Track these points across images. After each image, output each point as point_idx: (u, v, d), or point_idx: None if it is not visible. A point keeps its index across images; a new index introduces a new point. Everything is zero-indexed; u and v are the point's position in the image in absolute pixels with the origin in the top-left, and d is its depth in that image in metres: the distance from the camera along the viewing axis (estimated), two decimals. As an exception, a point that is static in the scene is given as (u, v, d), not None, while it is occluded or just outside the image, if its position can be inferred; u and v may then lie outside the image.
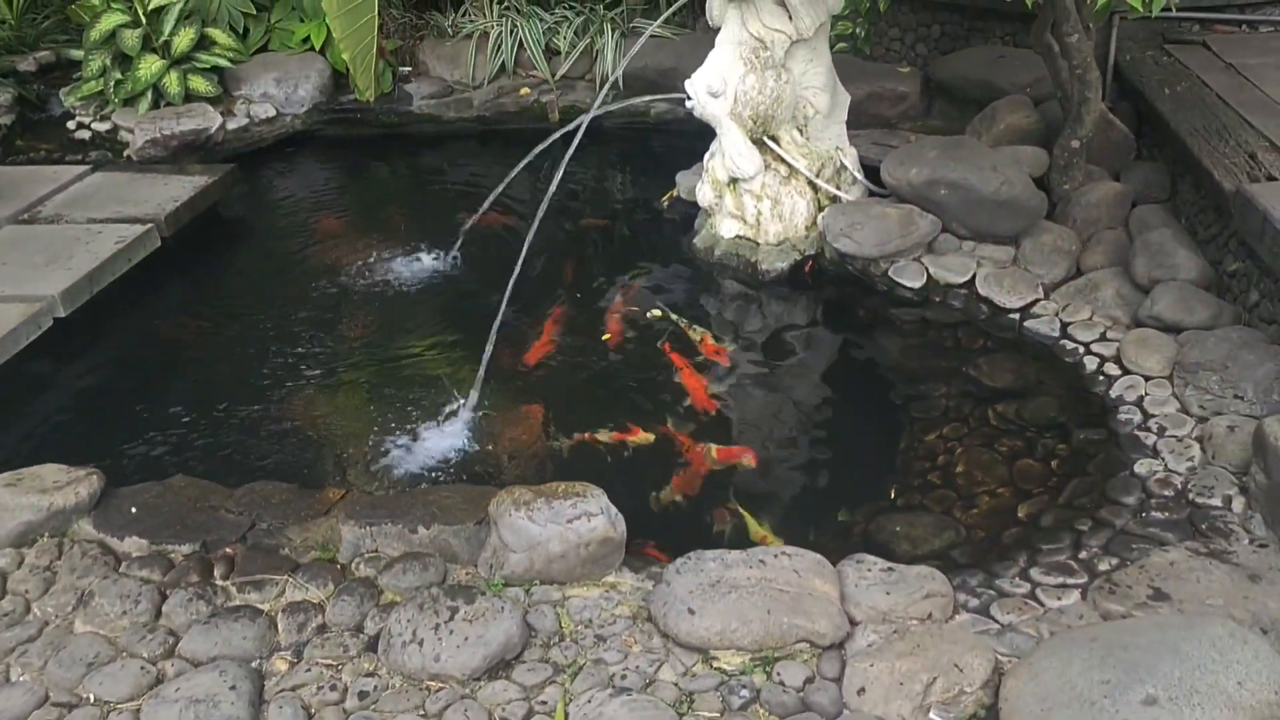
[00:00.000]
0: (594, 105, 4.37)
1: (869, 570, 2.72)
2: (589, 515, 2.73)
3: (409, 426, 3.60)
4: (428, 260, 4.78)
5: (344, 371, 3.99)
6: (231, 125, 5.86)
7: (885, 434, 3.57)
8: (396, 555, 2.85)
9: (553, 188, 4.17)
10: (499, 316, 3.80)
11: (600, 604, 2.70)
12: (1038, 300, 3.92)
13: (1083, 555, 2.87)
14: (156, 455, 3.52)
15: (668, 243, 4.84)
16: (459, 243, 4.69)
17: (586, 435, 3.52)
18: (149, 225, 4.70)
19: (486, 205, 4.71)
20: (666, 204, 5.01)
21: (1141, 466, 3.17)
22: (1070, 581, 2.76)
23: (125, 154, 5.70)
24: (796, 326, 4.27)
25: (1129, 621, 2.46)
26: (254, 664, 2.55)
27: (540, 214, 4.15)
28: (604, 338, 4.09)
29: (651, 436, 3.50)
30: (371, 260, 4.78)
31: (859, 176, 4.57)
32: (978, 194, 4.02)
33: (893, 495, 3.27)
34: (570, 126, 4.29)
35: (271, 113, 5.98)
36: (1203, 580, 2.63)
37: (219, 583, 2.78)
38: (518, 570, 2.74)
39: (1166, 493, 3.05)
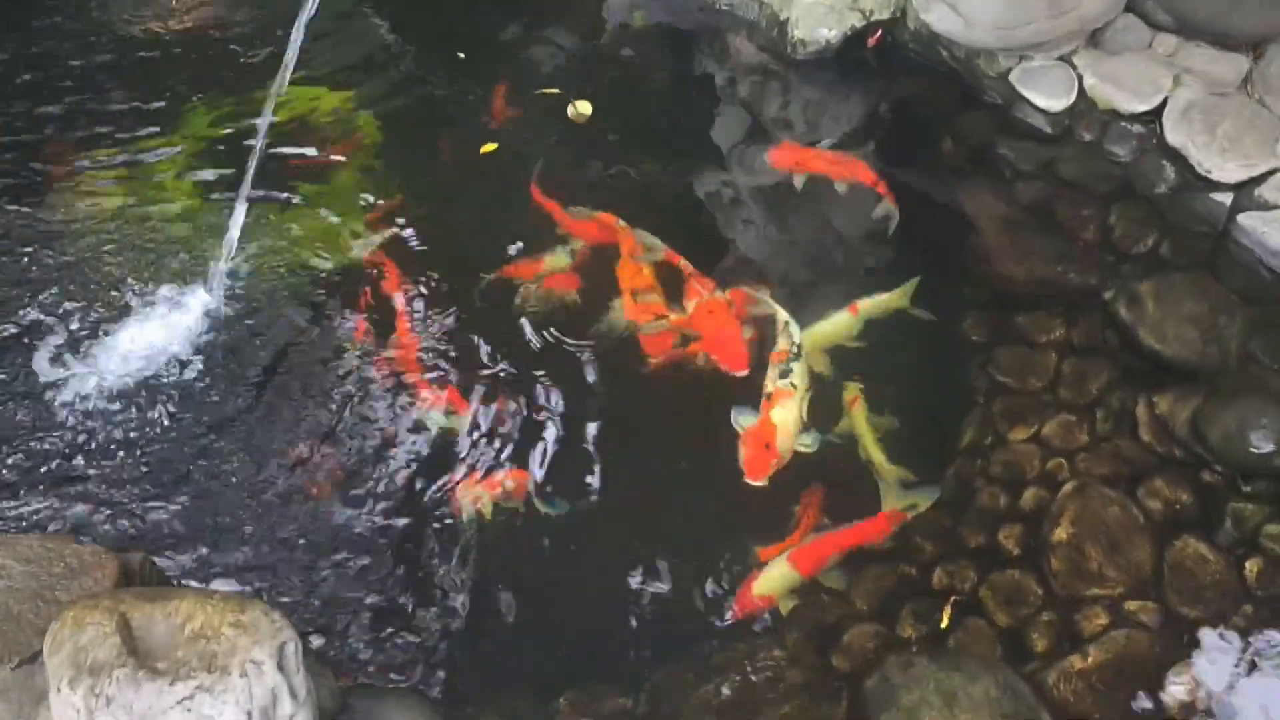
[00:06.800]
0: None
1: None
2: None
3: (111, 308, 2.14)
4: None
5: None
6: None
7: (929, 418, 2.19)
8: None
9: None
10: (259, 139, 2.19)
11: None
12: (1274, 171, 2.42)
13: None
14: None
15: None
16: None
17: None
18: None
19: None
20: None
21: None
22: None
23: None
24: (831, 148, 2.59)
25: None
26: None
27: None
28: (484, 149, 2.49)
29: None
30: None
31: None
32: (1209, -50, 2.27)
33: (944, 621, 1.71)
34: None
35: None
36: None
37: None
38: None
39: None
